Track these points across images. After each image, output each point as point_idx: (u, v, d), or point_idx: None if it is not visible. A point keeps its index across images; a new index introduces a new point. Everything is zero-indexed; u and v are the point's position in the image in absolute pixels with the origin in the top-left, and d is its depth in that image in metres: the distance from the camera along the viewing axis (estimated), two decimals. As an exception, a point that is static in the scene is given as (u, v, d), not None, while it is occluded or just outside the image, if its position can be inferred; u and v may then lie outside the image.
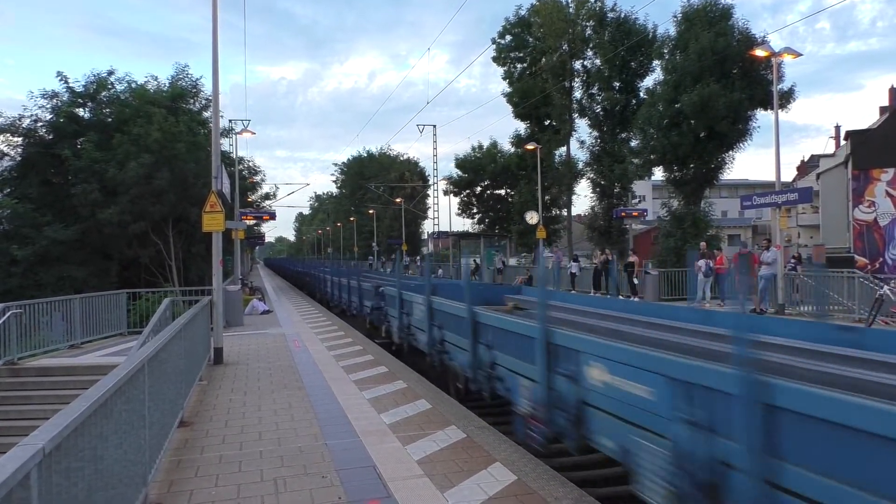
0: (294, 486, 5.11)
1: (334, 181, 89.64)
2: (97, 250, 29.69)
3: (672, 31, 29.16)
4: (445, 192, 53.02)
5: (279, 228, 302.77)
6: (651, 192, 66.19)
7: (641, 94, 34.26)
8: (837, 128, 51.77)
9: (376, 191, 63.85)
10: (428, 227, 66.03)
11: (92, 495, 3.09)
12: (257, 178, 40.01)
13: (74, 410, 2.86)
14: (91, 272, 28.77)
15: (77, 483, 2.84)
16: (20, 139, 30.17)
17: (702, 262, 19.09)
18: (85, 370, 10.77)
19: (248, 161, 39.53)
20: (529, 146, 35.54)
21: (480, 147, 52.46)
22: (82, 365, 11.25)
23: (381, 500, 4.77)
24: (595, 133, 36.63)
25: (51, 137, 30.12)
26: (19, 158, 30.51)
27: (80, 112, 31.07)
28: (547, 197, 40.27)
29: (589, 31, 36.38)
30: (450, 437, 6.37)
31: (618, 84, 35.23)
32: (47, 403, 9.78)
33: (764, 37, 26.46)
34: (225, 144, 33.21)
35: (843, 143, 42.14)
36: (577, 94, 37.65)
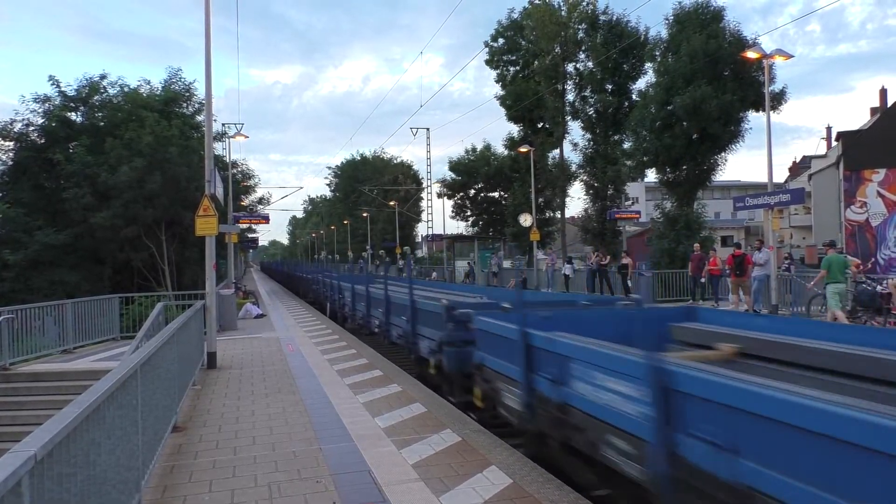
0: (288, 491, 5.08)
1: (328, 184, 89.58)
2: (89, 254, 29.56)
3: (664, 33, 29.32)
4: (439, 195, 53.09)
5: (273, 232, 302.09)
6: (644, 194, 66.34)
7: (634, 97, 34.40)
8: (829, 129, 52.10)
9: (370, 194, 63.79)
10: (422, 229, 66.11)
11: (84, 501, 3.07)
12: (251, 182, 39.89)
13: (66, 416, 2.84)
14: (83, 276, 28.64)
15: (69, 489, 2.81)
16: (12, 143, 30.08)
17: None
18: (77, 375, 10.70)
19: (242, 165, 39.44)
20: (523, 149, 35.59)
21: (474, 150, 52.54)
22: (75, 370, 11.18)
23: (376, 505, 4.75)
24: (588, 135, 36.75)
25: (43, 141, 30.00)
26: (11, 163, 30.39)
27: (73, 116, 30.97)
28: (540, 199, 40.34)
29: (581, 34, 36.50)
30: (445, 441, 6.36)
31: (610, 86, 35.35)
32: (39, 409, 9.72)
33: (755, 39, 26.61)
34: (218, 148, 33.13)
35: (834, 143, 42.39)
36: (570, 96, 37.78)
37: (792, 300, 17.89)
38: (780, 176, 60.78)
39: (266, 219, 34.82)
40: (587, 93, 36.40)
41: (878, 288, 13.77)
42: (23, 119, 29.71)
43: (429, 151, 51.60)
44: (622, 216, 30.43)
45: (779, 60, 19.64)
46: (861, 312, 13.49)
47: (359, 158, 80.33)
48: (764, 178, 19.28)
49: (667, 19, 28.85)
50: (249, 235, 49.05)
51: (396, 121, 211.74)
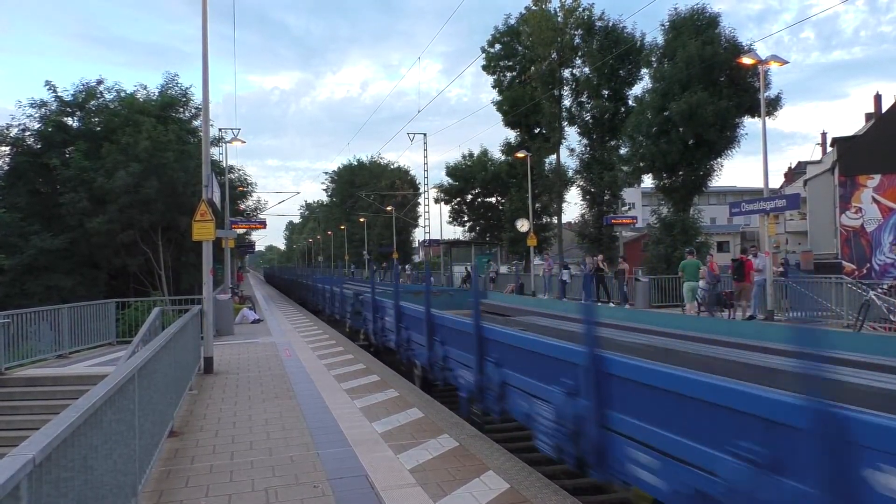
0: (285, 497, 5.08)
1: (325, 190, 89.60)
2: (85, 259, 29.48)
3: (660, 39, 29.42)
4: (436, 200, 53.15)
5: (270, 237, 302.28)
6: (640, 200, 66.52)
7: (630, 102, 34.45)
8: (824, 135, 52.37)
9: (367, 199, 63.80)
10: (419, 234, 66.12)
11: (82, 506, 3.06)
12: (248, 188, 39.88)
13: (65, 420, 2.84)
14: (79, 281, 28.56)
15: (67, 493, 2.81)
16: (8, 148, 30.01)
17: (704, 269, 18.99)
18: (73, 380, 10.67)
19: (239, 170, 39.42)
20: (520, 154, 35.64)
21: (471, 155, 52.61)
22: (70, 375, 11.15)
23: (373, 509, 4.75)
24: (584, 141, 36.80)
25: (39, 146, 29.95)
26: (7, 168, 30.33)
27: (69, 121, 30.92)
28: (537, 204, 40.40)
29: (577, 40, 36.58)
30: (442, 446, 6.36)
31: (606, 92, 35.42)
32: (35, 414, 9.70)
33: (750, 45, 26.70)
34: (215, 153, 33.10)
35: (829, 149, 42.57)
36: (567, 102, 37.83)
37: (789, 305, 17.93)
38: (776, 182, 61.05)
39: (263, 224, 34.82)
40: (583, 98, 36.47)
41: (871, 293, 13.99)
42: (19, 124, 29.68)
43: (426, 157, 51.53)
44: (618, 221, 30.49)
45: (774, 66, 19.76)
46: (714, 307, 17.55)
47: (356, 164, 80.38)
48: (759, 184, 19.38)
49: (662, 25, 28.95)
50: (246, 240, 49.00)
51: (394, 126, 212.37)
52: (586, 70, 35.92)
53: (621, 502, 5.94)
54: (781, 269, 19.98)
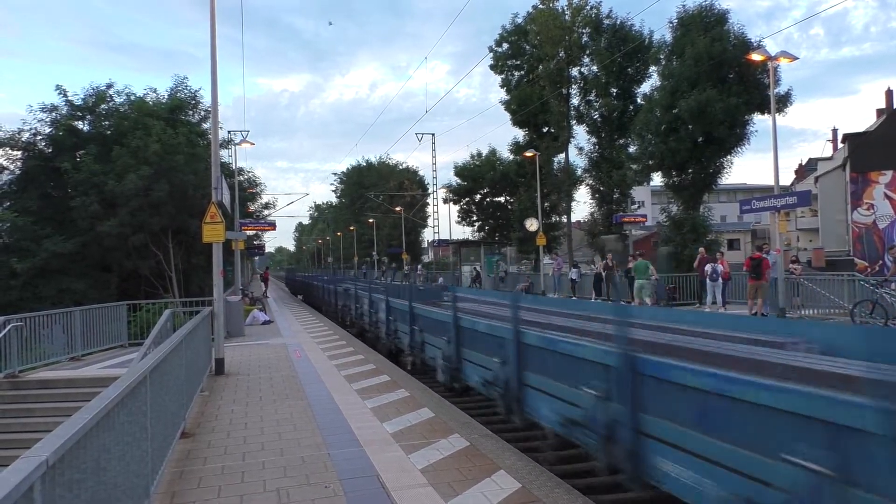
0: (297, 497, 5.08)
1: (334, 191, 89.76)
2: (97, 262, 29.64)
3: (668, 36, 29.29)
4: (445, 201, 53.13)
5: (279, 238, 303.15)
6: (650, 198, 66.24)
7: (639, 100, 34.37)
8: (834, 131, 52.00)
9: (376, 199, 63.88)
10: (428, 235, 66.19)
11: (95, 507, 3.07)
12: (257, 189, 40.01)
13: (77, 422, 2.85)
14: (91, 284, 28.70)
15: (80, 495, 2.82)
16: (20, 153, 30.16)
17: (709, 267, 19.03)
18: (86, 382, 10.75)
19: (248, 172, 39.55)
20: (528, 153, 35.60)
21: (479, 155, 52.55)
22: (83, 377, 11.23)
23: (384, 510, 4.75)
24: (593, 139, 36.73)
25: (50, 151, 30.11)
26: (19, 172, 30.49)
27: (80, 125, 31.07)
28: (546, 204, 40.31)
29: (585, 38, 36.52)
30: (453, 446, 6.35)
31: (615, 90, 35.35)
32: (48, 416, 9.76)
33: (759, 42, 26.54)
34: (225, 156, 33.22)
35: (840, 146, 42.24)
36: (575, 100, 37.78)
37: (801, 303, 17.80)
38: (786, 179, 60.66)
39: (272, 225, 34.91)
40: (592, 97, 36.41)
41: (881, 291, 13.89)
42: (30, 128, 29.81)
43: (434, 157, 51.85)
44: (628, 220, 30.35)
45: (783, 63, 19.62)
46: (660, 301, 20.51)
47: (364, 165, 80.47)
48: (770, 181, 19.25)
49: (671, 22, 28.85)
50: (256, 242, 49.15)
51: (402, 127, 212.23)
52: (594, 68, 35.86)
53: (634, 501, 5.91)
54: (797, 266, 19.81)
